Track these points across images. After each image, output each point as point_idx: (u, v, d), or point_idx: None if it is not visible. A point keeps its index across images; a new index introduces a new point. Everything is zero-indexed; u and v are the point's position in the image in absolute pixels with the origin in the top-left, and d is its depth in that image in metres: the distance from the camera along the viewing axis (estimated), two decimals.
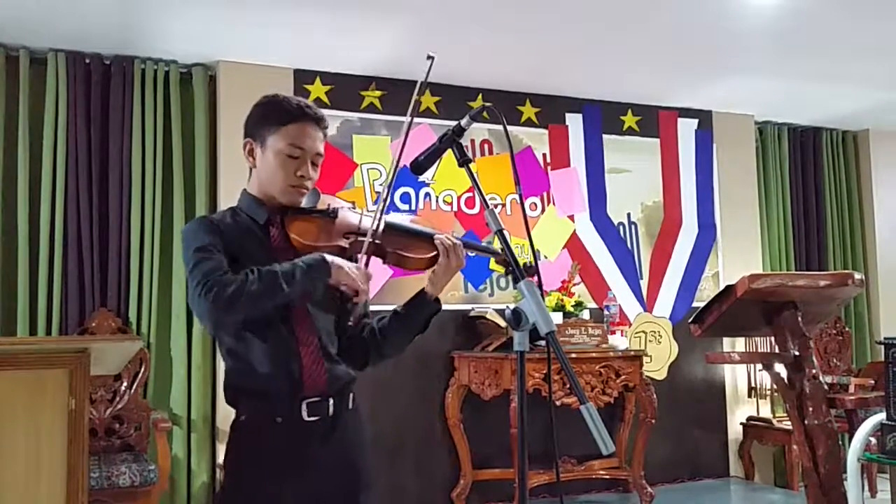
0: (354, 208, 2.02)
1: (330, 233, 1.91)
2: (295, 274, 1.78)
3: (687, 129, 5.63)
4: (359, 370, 2.01)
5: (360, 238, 1.89)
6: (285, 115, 1.91)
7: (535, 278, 1.74)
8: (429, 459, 4.74)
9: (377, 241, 1.89)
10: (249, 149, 1.94)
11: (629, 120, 5.45)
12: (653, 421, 4.61)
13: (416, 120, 4.95)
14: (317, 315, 1.91)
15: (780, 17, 4.05)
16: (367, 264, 1.88)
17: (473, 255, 2.09)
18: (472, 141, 4.99)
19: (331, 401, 1.89)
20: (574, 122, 5.30)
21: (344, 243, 1.90)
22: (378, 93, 4.79)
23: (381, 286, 4.51)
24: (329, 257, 1.83)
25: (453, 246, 1.93)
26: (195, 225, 1.88)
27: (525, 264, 1.83)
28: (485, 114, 1.81)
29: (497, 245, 1.80)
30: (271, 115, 1.92)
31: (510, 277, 1.66)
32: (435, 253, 1.94)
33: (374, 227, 1.88)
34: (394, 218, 1.99)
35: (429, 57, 1.86)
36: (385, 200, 1.90)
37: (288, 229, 1.89)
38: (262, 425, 1.85)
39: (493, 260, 4.83)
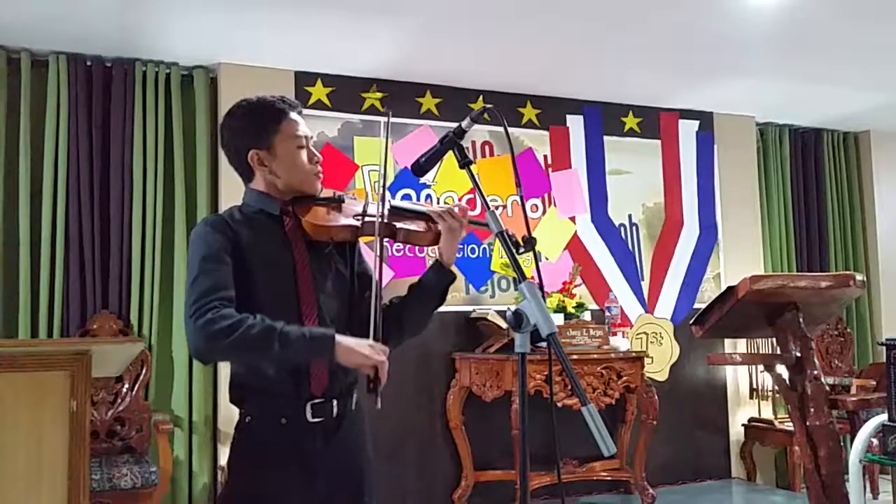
0: (354, 197, 2.05)
1: (339, 215, 1.94)
2: (293, 338, 1.73)
3: (688, 131, 5.62)
4: None
5: (369, 218, 1.92)
6: (277, 114, 1.93)
7: (535, 278, 1.74)
8: (430, 461, 4.74)
9: (386, 221, 1.91)
10: (258, 159, 1.92)
11: (630, 121, 5.45)
12: (654, 422, 4.61)
13: (417, 121, 4.97)
14: (328, 307, 1.90)
15: (780, 19, 4.05)
16: (381, 245, 1.89)
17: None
18: (473, 142, 4.99)
19: (334, 402, 1.89)
20: (575, 123, 5.30)
21: (356, 223, 1.92)
22: (379, 94, 4.78)
23: (382, 287, 4.50)
24: (339, 337, 1.76)
25: (447, 212, 1.95)
26: (203, 227, 1.87)
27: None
28: (486, 115, 1.82)
29: (500, 245, 1.81)
30: (264, 118, 1.93)
31: (513, 276, 1.67)
32: (438, 226, 1.96)
33: (382, 207, 1.91)
34: (393, 201, 2.02)
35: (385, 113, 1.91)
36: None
37: (300, 215, 1.91)
38: (268, 426, 1.85)
39: (494, 260, 4.89)
